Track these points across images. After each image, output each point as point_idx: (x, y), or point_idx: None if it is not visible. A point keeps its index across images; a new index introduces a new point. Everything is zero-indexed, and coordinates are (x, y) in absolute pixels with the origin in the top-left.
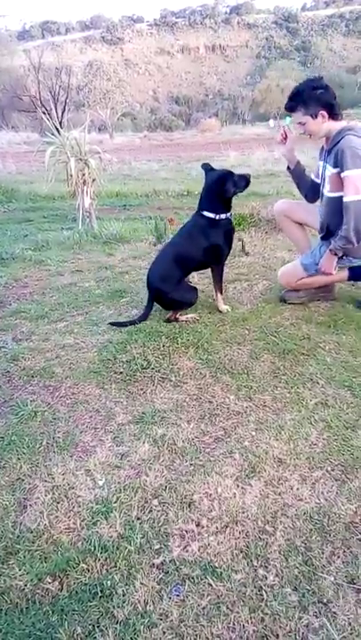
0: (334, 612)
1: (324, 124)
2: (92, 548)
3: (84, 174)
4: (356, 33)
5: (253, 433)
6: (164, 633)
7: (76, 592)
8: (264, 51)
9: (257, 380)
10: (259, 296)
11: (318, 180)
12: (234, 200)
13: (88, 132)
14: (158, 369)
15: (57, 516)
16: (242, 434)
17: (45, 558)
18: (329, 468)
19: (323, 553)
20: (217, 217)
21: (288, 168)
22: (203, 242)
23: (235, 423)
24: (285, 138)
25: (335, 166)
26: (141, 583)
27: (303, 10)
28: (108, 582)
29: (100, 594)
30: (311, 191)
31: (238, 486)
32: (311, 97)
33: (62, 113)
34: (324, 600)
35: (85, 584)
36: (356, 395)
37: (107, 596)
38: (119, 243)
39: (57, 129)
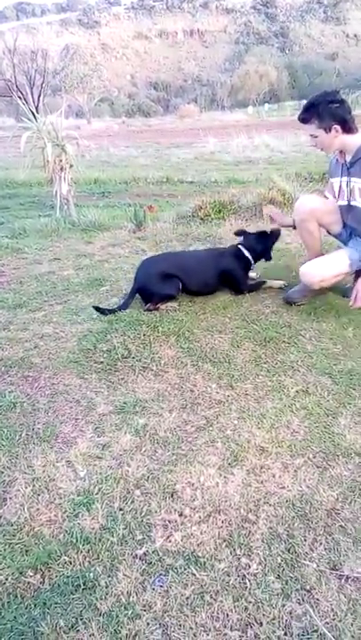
0: (317, 599)
1: (336, 139)
2: (74, 540)
3: (61, 160)
4: (335, 19)
5: (235, 421)
6: (148, 624)
7: (59, 585)
8: (242, 36)
9: (238, 368)
10: None
11: (333, 197)
12: (214, 186)
13: (65, 117)
14: (139, 358)
15: (38, 509)
16: (224, 423)
17: (26, 551)
18: (311, 456)
19: (305, 540)
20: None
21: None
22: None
23: (217, 412)
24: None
25: None
26: (124, 574)
27: None
28: (91, 574)
29: (82, 586)
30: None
31: (221, 475)
32: (326, 110)
33: (38, 97)
34: (307, 587)
35: (68, 576)
36: (337, 382)
37: (89, 588)
38: (98, 230)
39: (33, 114)
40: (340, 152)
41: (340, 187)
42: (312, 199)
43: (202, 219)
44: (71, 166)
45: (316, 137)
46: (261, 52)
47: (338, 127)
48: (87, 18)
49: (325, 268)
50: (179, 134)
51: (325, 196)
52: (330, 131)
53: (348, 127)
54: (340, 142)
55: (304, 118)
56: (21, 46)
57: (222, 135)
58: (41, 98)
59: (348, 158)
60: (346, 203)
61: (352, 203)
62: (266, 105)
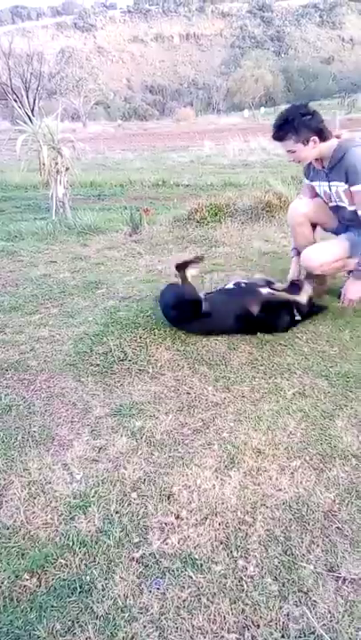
0: (314, 601)
1: (314, 150)
2: (71, 544)
3: (57, 163)
4: (330, 23)
5: (232, 424)
6: (145, 627)
7: (55, 588)
8: (238, 40)
9: (235, 370)
10: None
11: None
12: (210, 189)
13: (61, 120)
14: (135, 361)
15: (34, 512)
16: (220, 425)
17: (22, 555)
18: (307, 458)
19: (302, 542)
20: None
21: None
22: None
23: (213, 414)
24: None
25: (346, 181)
26: (121, 577)
27: None
28: (87, 577)
29: (79, 589)
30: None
31: (217, 477)
32: (301, 124)
33: (34, 101)
34: (304, 589)
35: (64, 580)
36: (333, 384)
37: (86, 591)
38: (94, 233)
39: (29, 117)
40: (318, 159)
41: (324, 191)
42: (304, 203)
43: (198, 221)
44: (67, 169)
45: (293, 152)
46: (257, 55)
47: (315, 138)
48: (83, 21)
49: (325, 253)
50: (175, 137)
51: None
52: (308, 143)
53: (324, 136)
54: (318, 151)
55: (280, 136)
56: (17, 49)
57: (218, 138)
58: (37, 101)
59: (326, 164)
60: (334, 204)
61: (340, 204)
62: (262, 108)
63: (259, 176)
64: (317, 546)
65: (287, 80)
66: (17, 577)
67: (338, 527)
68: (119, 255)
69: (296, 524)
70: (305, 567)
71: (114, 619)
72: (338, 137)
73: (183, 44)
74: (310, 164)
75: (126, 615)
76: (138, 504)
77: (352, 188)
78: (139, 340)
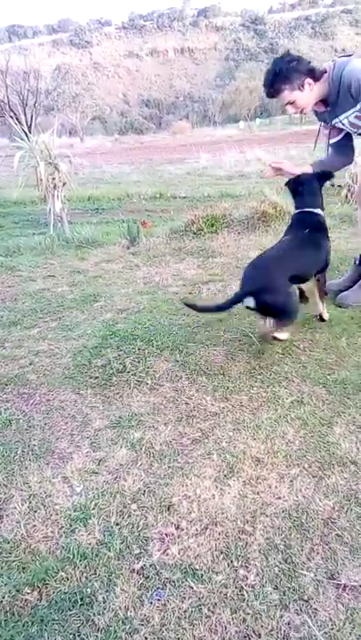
0: (315, 609)
1: (312, 92)
2: (71, 556)
3: (54, 178)
4: (323, 35)
5: (231, 433)
6: (146, 638)
7: (56, 601)
8: (232, 53)
9: (233, 380)
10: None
11: (331, 140)
12: (207, 201)
13: (59, 135)
14: (134, 372)
15: (34, 525)
16: (219, 434)
17: (23, 568)
18: (306, 465)
19: (302, 550)
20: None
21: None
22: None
23: (212, 424)
24: (278, 169)
25: (356, 102)
26: (122, 589)
27: (270, 12)
28: (88, 590)
29: (80, 602)
30: (338, 154)
31: (217, 487)
32: (291, 71)
33: (31, 117)
34: (305, 597)
35: (65, 593)
36: (331, 391)
37: (87, 603)
38: (92, 247)
39: (26, 133)
40: (320, 102)
41: (340, 129)
42: None
43: (195, 233)
44: (64, 184)
45: (293, 102)
46: (251, 67)
47: (309, 80)
48: (78, 38)
49: None
50: (171, 150)
51: (332, 144)
52: (303, 87)
53: (316, 76)
54: (315, 93)
55: (275, 90)
56: (13, 67)
57: (214, 150)
58: (34, 117)
59: (328, 103)
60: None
61: (359, 131)
62: (257, 120)
63: (255, 186)
64: (317, 553)
65: None
66: (18, 591)
67: (338, 534)
68: (117, 268)
69: (296, 532)
70: (305, 575)
71: (115, 631)
72: (325, 71)
73: (178, 58)
74: (316, 112)
75: (127, 627)
76: (138, 515)
77: None
78: (137, 352)
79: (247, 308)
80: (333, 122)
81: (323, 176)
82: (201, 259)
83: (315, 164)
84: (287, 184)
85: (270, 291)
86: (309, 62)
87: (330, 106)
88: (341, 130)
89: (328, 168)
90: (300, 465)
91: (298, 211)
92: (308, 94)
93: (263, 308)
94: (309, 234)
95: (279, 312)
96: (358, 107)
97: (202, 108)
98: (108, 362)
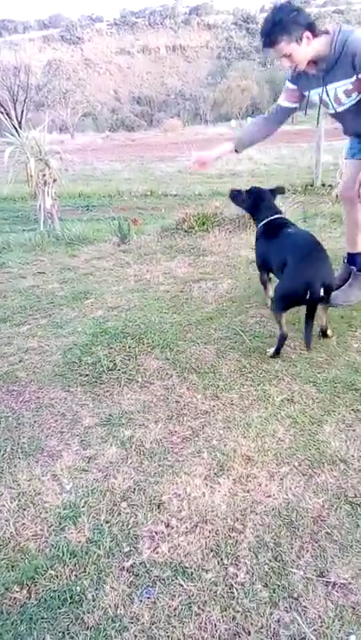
0: (305, 607)
1: (309, 47)
2: (61, 554)
3: (44, 175)
4: None
5: (221, 431)
6: (136, 636)
7: (45, 599)
8: (224, 51)
9: (223, 378)
10: (224, 295)
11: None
12: (198, 199)
13: (49, 132)
14: (124, 370)
15: (23, 523)
16: (210, 433)
17: (12, 567)
18: (296, 464)
19: (292, 548)
20: None
21: (236, 151)
22: None
23: (202, 422)
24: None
25: (354, 71)
26: (111, 587)
27: (262, 11)
28: (78, 588)
29: (69, 600)
30: (270, 121)
31: (207, 485)
32: (290, 22)
33: (22, 113)
34: (295, 595)
35: (54, 591)
36: (321, 390)
37: (76, 601)
38: (82, 244)
39: (16, 129)
40: (313, 62)
41: (321, 99)
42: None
43: (186, 231)
44: (55, 180)
45: (289, 55)
46: (243, 66)
47: (308, 33)
48: (70, 34)
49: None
50: (162, 148)
51: (280, 106)
52: (301, 40)
53: (315, 31)
54: (312, 50)
55: (272, 41)
56: (4, 62)
57: (206, 148)
58: (24, 113)
59: (322, 66)
60: (333, 112)
61: (338, 109)
62: (248, 118)
63: (246, 185)
64: (307, 551)
65: (273, 90)
66: (7, 589)
67: (327, 532)
68: (108, 265)
69: (286, 529)
70: (295, 573)
71: (104, 629)
72: (327, 32)
73: (170, 55)
74: (299, 75)
75: (117, 625)
76: (128, 513)
77: None
78: (127, 350)
79: (311, 301)
80: (315, 90)
81: (274, 191)
82: (192, 257)
83: (236, 139)
84: (235, 197)
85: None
86: (309, 15)
87: (323, 72)
88: (300, 99)
89: (248, 143)
90: (290, 463)
91: (271, 218)
92: (305, 49)
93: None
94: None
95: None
96: (354, 78)
97: (193, 106)
98: (98, 359)
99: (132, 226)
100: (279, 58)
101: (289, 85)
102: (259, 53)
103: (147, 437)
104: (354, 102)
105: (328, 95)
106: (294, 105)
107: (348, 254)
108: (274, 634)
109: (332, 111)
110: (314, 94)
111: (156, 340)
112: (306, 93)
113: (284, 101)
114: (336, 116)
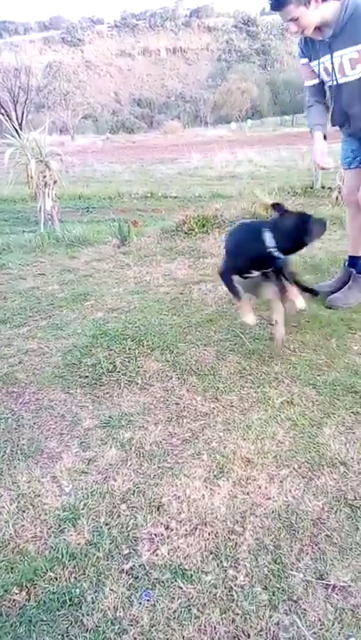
0: (304, 609)
1: (317, 11)
2: (60, 556)
3: (44, 176)
4: None
5: (221, 434)
6: (135, 639)
7: (44, 602)
8: (224, 54)
9: (223, 380)
10: (224, 297)
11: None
12: (198, 201)
13: (49, 133)
14: (124, 372)
15: (23, 525)
16: (209, 435)
17: (12, 568)
18: (296, 466)
19: (291, 550)
20: None
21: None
22: None
23: (202, 424)
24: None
25: (359, 42)
26: (111, 589)
27: (262, 14)
28: (77, 590)
29: (68, 602)
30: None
31: (207, 487)
32: None
33: (22, 114)
34: (294, 597)
35: (53, 593)
36: (321, 392)
37: (76, 604)
38: (82, 245)
39: (16, 130)
40: (318, 28)
41: (324, 68)
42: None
43: (186, 233)
44: (55, 182)
45: (296, 19)
46: (243, 69)
47: None
48: (70, 36)
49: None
50: (162, 150)
51: (307, 87)
52: (309, 4)
53: None
54: (320, 14)
55: (280, 3)
56: (4, 64)
57: (206, 151)
58: (25, 114)
59: (329, 32)
60: (335, 83)
61: (340, 80)
62: (248, 121)
63: (246, 187)
64: (307, 554)
65: (273, 92)
66: (6, 591)
67: (327, 535)
68: (108, 267)
69: (285, 532)
70: (295, 575)
71: (104, 631)
72: None
73: (170, 57)
74: (306, 40)
75: (116, 627)
76: (127, 515)
77: None
78: (127, 352)
79: None
80: (322, 59)
81: None
82: (192, 259)
83: (318, 127)
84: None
85: None
86: None
87: (330, 37)
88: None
89: (325, 123)
90: (289, 466)
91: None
92: (313, 12)
93: None
94: None
95: None
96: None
97: (193, 108)
98: (98, 361)
99: (132, 228)
100: (287, 21)
101: (302, 61)
102: (259, 56)
103: (146, 439)
104: (356, 77)
105: (333, 63)
106: (317, 80)
107: (350, 257)
108: (273, 636)
109: (334, 82)
110: (317, 65)
111: (156, 341)
112: (316, 68)
113: (307, 81)
114: (335, 90)
